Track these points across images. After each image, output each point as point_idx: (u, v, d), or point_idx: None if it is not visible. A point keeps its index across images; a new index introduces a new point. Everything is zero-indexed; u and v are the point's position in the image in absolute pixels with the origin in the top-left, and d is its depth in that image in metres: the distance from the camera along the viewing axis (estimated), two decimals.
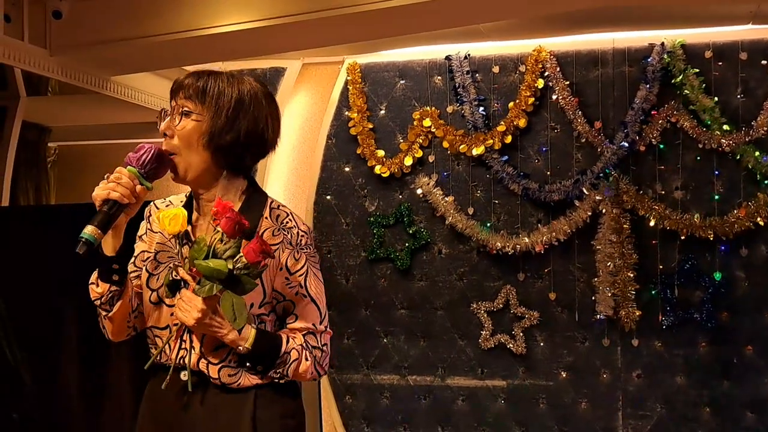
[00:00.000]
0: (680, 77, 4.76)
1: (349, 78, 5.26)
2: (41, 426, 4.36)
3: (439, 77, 5.17)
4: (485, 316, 5.05)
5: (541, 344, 5.01)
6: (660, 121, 4.81)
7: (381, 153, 5.19)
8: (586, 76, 4.95)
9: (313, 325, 2.19)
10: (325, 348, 2.21)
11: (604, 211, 4.84)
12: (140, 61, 4.53)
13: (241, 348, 2.11)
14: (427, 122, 5.12)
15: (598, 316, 4.86)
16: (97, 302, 2.25)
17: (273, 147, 2.23)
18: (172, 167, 2.17)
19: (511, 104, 5.01)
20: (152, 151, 2.13)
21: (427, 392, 5.16)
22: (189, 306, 2.06)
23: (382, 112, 5.24)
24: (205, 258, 2.04)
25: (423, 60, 5.19)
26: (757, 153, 4.67)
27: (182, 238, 2.13)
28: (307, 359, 2.16)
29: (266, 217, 2.19)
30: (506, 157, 5.01)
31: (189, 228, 2.14)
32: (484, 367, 5.09)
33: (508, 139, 5.00)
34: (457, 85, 5.08)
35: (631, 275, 4.81)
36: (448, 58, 5.12)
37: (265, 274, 2.13)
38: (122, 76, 4.74)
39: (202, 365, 2.17)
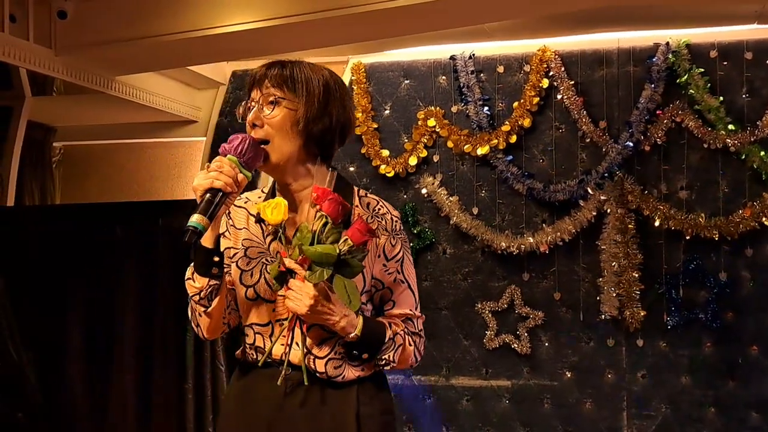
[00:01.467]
0: (685, 77, 4.75)
1: (353, 78, 5.25)
2: (46, 425, 4.37)
3: (443, 77, 5.17)
4: (490, 316, 5.05)
5: (546, 344, 5.01)
6: (665, 121, 4.80)
7: (385, 153, 5.19)
8: (591, 76, 4.95)
9: (410, 310, 2.18)
10: (421, 333, 2.21)
11: (608, 211, 4.83)
12: (145, 61, 4.53)
13: (351, 335, 2.08)
14: (431, 122, 5.11)
15: (603, 316, 4.85)
16: (196, 297, 2.18)
17: (350, 135, 2.26)
18: (264, 156, 2.14)
19: (515, 104, 5.00)
20: (248, 141, 2.09)
21: (432, 392, 5.16)
22: (300, 294, 2.02)
23: (387, 111, 5.24)
24: (310, 244, 2.03)
25: (427, 60, 5.18)
26: (762, 153, 4.66)
27: (277, 231, 2.12)
28: (410, 344, 2.16)
29: (356, 206, 2.19)
30: (511, 157, 5.01)
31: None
32: (488, 367, 5.08)
33: (513, 138, 5.00)
34: (461, 84, 5.08)
35: (636, 275, 4.80)
36: (452, 57, 5.12)
37: (364, 261, 2.10)
38: (127, 76, 4.74)
39: (308, 360, 2.12)
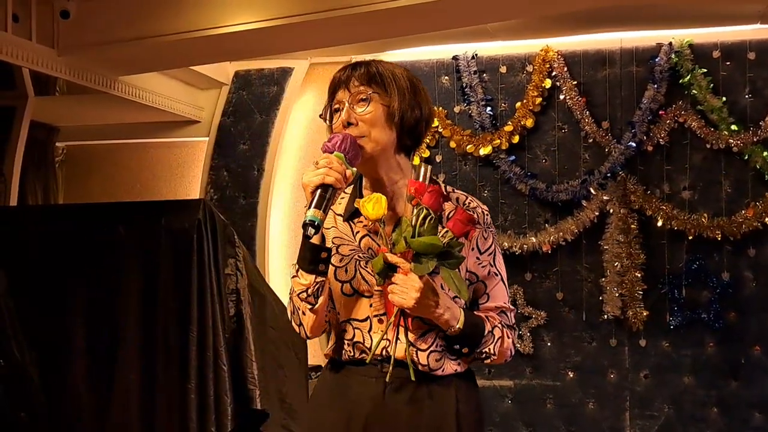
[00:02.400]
0: (688, 77, 4.75)
1: None
2: (48, 425, 4.37)
3: (446, 77, 5.17)
4: None
5: (549, 344, 5.01)
6: (668, 121, 4.80)
7: None
8: (594, 76, 4.95)
9: (504, 303, 2.19)
10: (515, 326, 2.22)
11: (611, 211, 4.83)
12: (148, 61, 4.54)
13: (453, 328, 2.09)
14: (434, 122, 5.11)
15: (606, 316, 4.85)
16: (303, 295, 2.17)
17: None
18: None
19: (518, 104, 5.00)
20: (349, 138, 2.13)
21: None
22: (406, 287, 2.03)
23: None
24: (411, 237, 2.05)
25: (430, 60, 5.18)
26: (765, 153, 4.66)
27: (373, 229, 2.16)
28: (508, 337, 2.17)
29: (449, 200, 2.20)
30: (513, 157, 5.01)
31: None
32: (491, 367, 5.08)
33: (516, 139, 5.00)
34: (464, 85, 5.08)
35: (639, 275, 4.80)
36: (455, 58, 5.12)
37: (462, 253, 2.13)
38: (130, 76, 4.75)
39: (411, 353, 2.12)
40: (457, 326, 2.09)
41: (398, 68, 2.22)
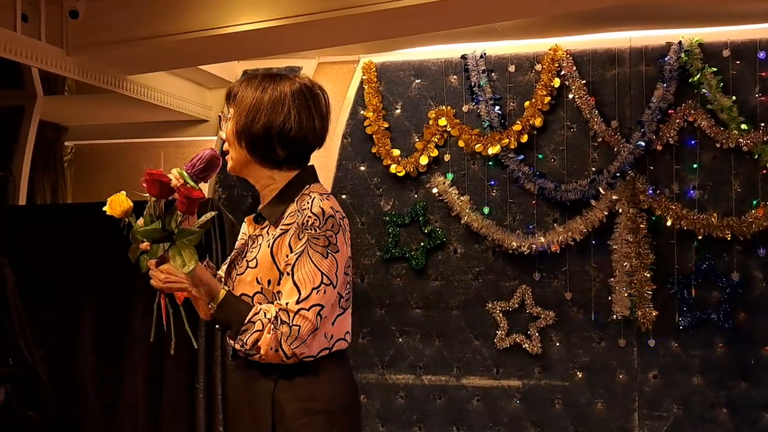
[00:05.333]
0: (698, 76, 4.73)
1: (364, 77, 5.25)
2: (57, 423, 4.38)
3: (454, 76, 5.16)
4: (501, 315, 5.04)
5: (557, 344, 5.00)
6: (677, 121, 4.78)
7: (396, 152, 5.19)
8: (603, 75, 4.93)
9: (287, 303, 2.18)
10: (294, 328, 2.15)
11: (620, 210, 4.82)
12: (156, 61, 4.54)
13: (209, 308, 2.24)
14: (442, 121, 5.11)
15: (615, 316, 4.84)
16: None
17: (306, 140, 2.31)
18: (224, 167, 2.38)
19: (527, 103, 4.99)
20: (204, 155, 2.34)
21: (442, 392, 5.15)
22: (154, 272, 2.22)
23: (398, 111, 5.24)
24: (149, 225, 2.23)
25: (439, 59, 5.18)
26: None
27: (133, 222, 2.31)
28: (269, 333, 2.16)
29: (295, 202, 2.27)
30: (522, 157, 5.00)
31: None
32: (499, 367, 5.07)
33: (524, 138, 4.99)
34: (472, 84, 5.07)
35: (648, 275, 4.79)
36: (463, 57, 5.11)
37: (275, 252, 2.22)
38: (138, 76, 4.75)
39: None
40: (212, 305, 2.24)
41: (262, 87, 2.29)
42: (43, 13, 4.04)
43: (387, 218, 5.20)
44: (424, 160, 5.13)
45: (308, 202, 2.23)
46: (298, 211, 2.22)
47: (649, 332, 4.82)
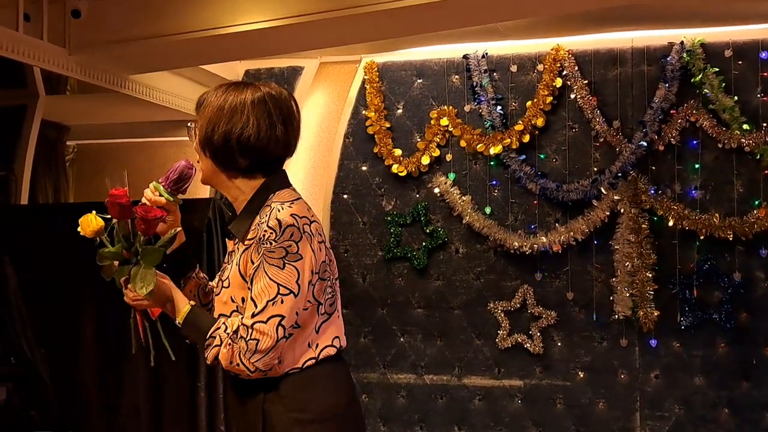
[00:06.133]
0: (700, 76, 4.73)
1: (366, 77, 5.25)
2: (59, 421, 4.39)
3: (456, 76, 5.16)
4: (502, 315, 5.04)
5: (559, 344, 4.99)
6: (679, 121, 4.78)
7: (398, 152, 5.19)
8: (605, 75, 4.93)
9: (243, 318, 2.17)
10: (251, 343, 2.12)
11: (622, 210, 4.82)
12: (158, 60, 4.54)
13: (176, 322, 2.28)
14: (444, 121, 5.11)
15: (616, 316, 4.84)
16: None
17: (266, 148, 2.26)
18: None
19: (528, 103, 4.99)
20: (179, 168, 2.36)
21: (444, 392, 5.15)
22: (125, 291, 2.31)
23: (400, 111, 5.24)
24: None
25: (440, 59, 5.18)
26: None
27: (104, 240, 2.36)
28: (225, 347, 2.15)
29: (259, 215, 2.24)
30: (524, 157, 5.00)
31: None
32: (500, 367, 5.07)
33: (526, 138, 4.99)
34: (474, 84, 5.07)
35: (650, 275, 4.79)
36: (465, 57, 5.11)
37: (244, 270, 2.22)
38: (140, 75, 4.75)
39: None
40: (178, 320, 2.28)
41: (226, 95, 2.30)
42: (45, 12, 4.04)
43: (389, 218, 5.20)
44: (425, 160, 5.13)
45: (267, 215, 2.18)
46: (258, 224, 2.19)
47: (650, 332, 4.82)
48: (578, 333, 4.97)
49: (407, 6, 3.69)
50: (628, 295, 4.81)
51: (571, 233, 4.89)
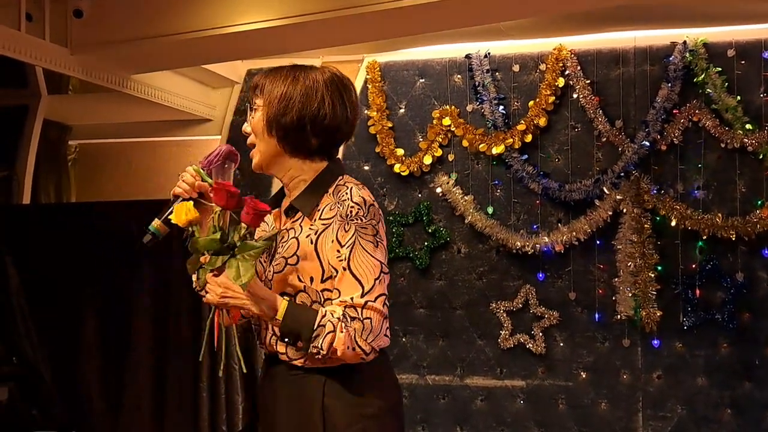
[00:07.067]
0: (702, 76, 4.72)
1: (368, 76, 5.25)
2: (61, 421, 4.39)
3: (458, 76, 5.16)
4: (504, 315, 5.03)
5: (561, 344, 4.99)
6: (682, 121, 4.77)
7: (400, 152, 5.19)
8: (608, 75, 4.93)
9: (351, 298, 2.12)
10: (367, 322, 2.10)
11: (624, 210, 4.81)
12: (160, 60, 4.54)
13: (274, 320, 2.14)
14: (446, 121, 5.10)
15: (619, 316, 4.84)
16: (196, 289, 2.31)
17: (339, 129, 2.28)
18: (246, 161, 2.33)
19: (531, 103, 4.99)
20: (221, 151, 2.27)
21: (446, 392, 5.15)
22: (211, 286, 2.14)
23: (402, 110, 5.24)
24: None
25: (443, 59, 5.17)
26: None
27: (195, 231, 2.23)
28: (342, 331, 2.09)
29: (329, 194, 2.23)
30: (526, 156, 4.99)
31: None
32: (503, 367, 5.07)
33: (528, 138, 4.98)
34: (477, 83, 5.07)
35: (652, 275, 4.78)
36: (468, 56, 5.10)
37: (320, 248, 2.16)
38: (142, 75, 4.76)
39: (273, 341, 2.24)
40: (276, 317, 2.14)
41: (285, 74, 2.27)
42: (47, 12, 4.05)
43: (391, 218, 5.20)
44: (427, 160, 5.13)
45: (347, 193, 2.18)
46: (338, 203, 2.17)
47: (653, 332, 4.81)
48: (581, 333, 4.96)
49: (409, 6, 3.68)
50: (630, 295, 4.80)
51: (574, 233, 4.89)
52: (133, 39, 4.14)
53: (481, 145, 5.03)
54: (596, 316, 4.91)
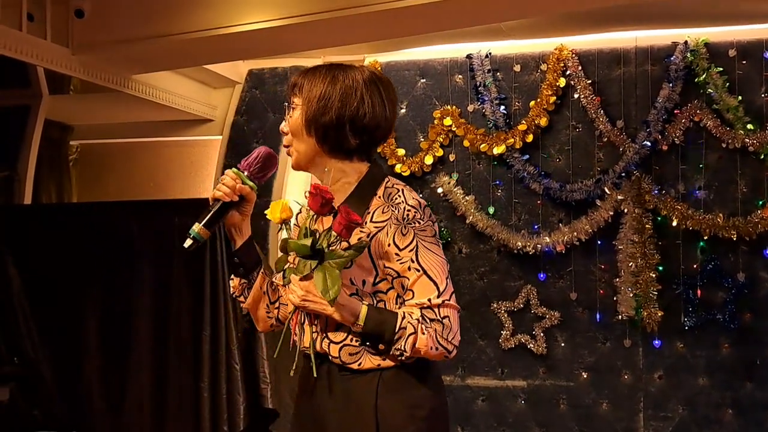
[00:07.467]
0: (704, 76, 4.72)
1: None
2: (62, 422, 4.39)
3: (460, 76, 5.15)
4: (505, 315, 5.03)
5: (562, 344, 4.99)
6: (683, 121, 4.77)
7: (401, 152, 5.19)
8: (609, 75, 4.92)
9: (429, 299, 2.15)
10: (446, 321, 2.17)
11: (626, 210, 4.81)
12: (161, 60, 4.54)
13: (355, 325, 2.14)
14: (447, 121, 5.10)
15: (620, 316, 4.83)
16: (234, 294, 2.43)
17: (379, 128, 2.26)
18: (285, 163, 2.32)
19: (532, 103, 4.98)
20: (260, 154, 2.28)
21: (447, 392, 5.11)
22: (295, 287, 2.14)
23: (403, 110, 5.23)
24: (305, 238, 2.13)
25: (444, 59, 5.17)
26: None
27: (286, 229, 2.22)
28: (423, 333, 2.11)
29: (379, 196, 2.22)
30: (527, 156, 4.99)
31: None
32: (504, 367, 5.07)
33: (530, 138, 4.98)
34: (478, 83, 5.07)
35: (653, 275, 4.78)
36: (469, 56, 5.10)
37: (373, 251, 2.16)
38: (144, 75, 4.76)
39: (325, 344, 2.22)
40: (358, 323, 2.13)
41: (324, 73, 2.25)
42: (48, 12, 4.05)
43: None
44: (429, 160, 5.13)
45: (399, 195, 2.19)
46: (391, 206, 2.17)
47: (654, 333, 4.81)
48: (582, 333, 4.96)
49: (410, 6, 3.68)
50: (631, 295, 4.80)
51: (575, 233, 4.89)
52: (134, 39, 4.14)
53: (482, 145, 5.03)
54: (597, 316, 4.91)
